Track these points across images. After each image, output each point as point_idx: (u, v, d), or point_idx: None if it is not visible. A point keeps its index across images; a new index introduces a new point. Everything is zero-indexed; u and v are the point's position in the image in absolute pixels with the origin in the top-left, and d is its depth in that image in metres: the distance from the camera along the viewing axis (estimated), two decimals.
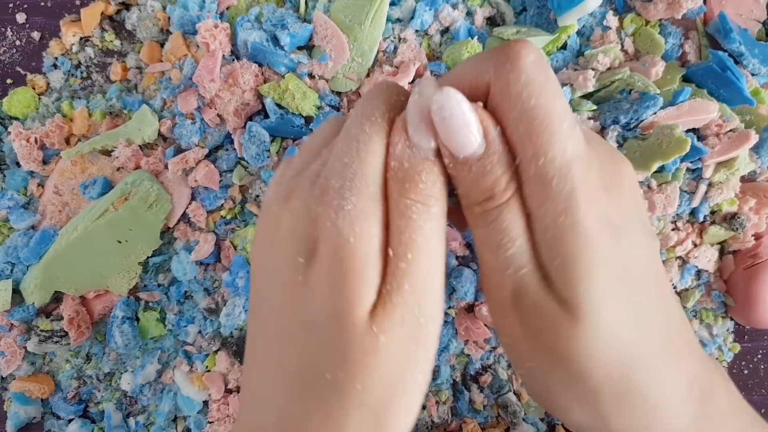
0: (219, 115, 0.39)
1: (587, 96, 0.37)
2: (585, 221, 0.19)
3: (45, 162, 0.42)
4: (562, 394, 0.21)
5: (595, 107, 0.37)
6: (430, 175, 0.20)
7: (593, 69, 0.37)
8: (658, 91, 0.36)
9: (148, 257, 0.40)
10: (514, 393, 0.41)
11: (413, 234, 0.20)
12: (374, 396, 0.19)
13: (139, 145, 0.40)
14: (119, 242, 0.38)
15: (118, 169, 0.41)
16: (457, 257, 0.39)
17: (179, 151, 0.40)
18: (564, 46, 0.38)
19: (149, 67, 0.41)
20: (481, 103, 0.20)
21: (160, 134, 0.40)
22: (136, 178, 0.38)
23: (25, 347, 0.41)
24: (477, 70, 0.20)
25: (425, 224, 0.20)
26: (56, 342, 0.40)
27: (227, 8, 0.40)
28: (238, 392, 0.41)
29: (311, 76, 0.39)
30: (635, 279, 0.21)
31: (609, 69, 0.37)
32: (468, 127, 0.19)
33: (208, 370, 0.41)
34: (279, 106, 0.39)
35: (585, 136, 0.21)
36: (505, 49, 0.20)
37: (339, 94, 0.39)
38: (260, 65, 0.39)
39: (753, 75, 0.38)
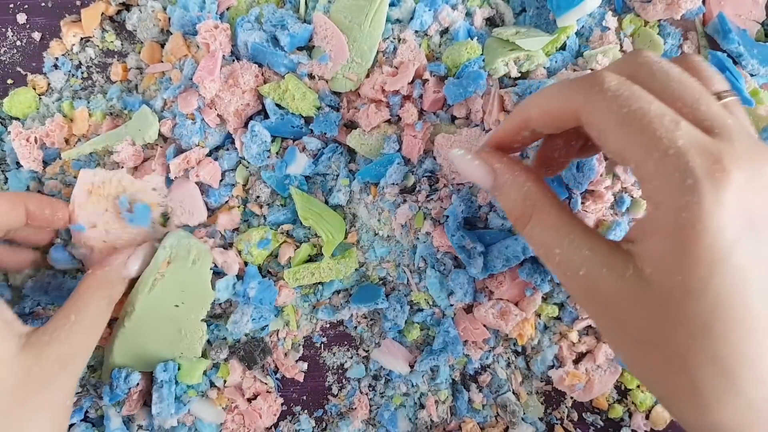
0: (219, 116, 0.39)
1: None
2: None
3: (45, 162, 0.42)
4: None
5: None
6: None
7: (592, 69, 0.37)
8: None
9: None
10: (513, 393, 0.41)
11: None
12: None
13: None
14: (176, 306, 0.38)
15: (135, 169, 0.40)
16: (455, 258, 0.39)
17: (180, 151, 0.40)
18: (563, 47, 0.38)
19: (149, 68, 0.41)
20: (487, 149, 0.29)
21: (160, 134, 0.40)
22: (172, 241, 0.38)
23: None
24: (564, 96, 0.24)
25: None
26: None
27: (227, 9, 0.40)
28: (250, 401, 0.41)
29: (311, 76, 0.39)
30: None
31: None
32: (472, 171, 0.28)
33: (224, 382, 0.41)
34: (279, 106, 0.39)
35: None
36: (589, 76, 0.24)
37: (338, 94, 0.39)
38: (260, 66, 0.39)
39: (752, 75, 0.38)
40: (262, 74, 0.39)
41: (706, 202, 0.20)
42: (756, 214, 0.20)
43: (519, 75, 0.37)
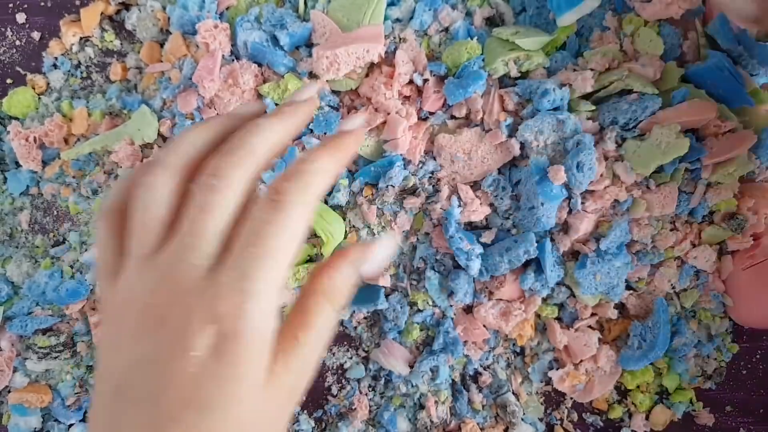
0: (218, 115, 0.39)
1: (586, 96, 0.37)
2: None
3: (44, 162, 0.42)
4: None
5: (593, 108, 0.37)
6: None
7: (592, 69, 0.37)
8: (657, 92, 0.36)
9: None
10: (513, 393, 0.41)
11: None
12: None
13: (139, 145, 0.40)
14: None
15: None
16: (454, 258, 0.39)
17: None
18: (563, 47, 0.38)
19: (149, 67, 0.41)
20: None
21: (159, 134, 0.40)
22: None
23: (15, 366, 0.41)
24: None
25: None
26: (55, 357, 0.40)
27: (227, 8, 0.40)
28: None
29: (311, 75, 0.39)
30: None
31: (608, 69, 0.37)
32: None
33: None
34: (278, 105, 0.39)
35: None
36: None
37: (338, 94, 0.39)
38: (260, 65, 0.39)
39: (752, 75, 0.38)
40: (262, 74, 0.39)
41: None
42: None
43: (519, 75, 0.37)
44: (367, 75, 0.38)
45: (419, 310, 0.41)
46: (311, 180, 0.22)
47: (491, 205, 0.38)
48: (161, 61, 0.41)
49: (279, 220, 0.21)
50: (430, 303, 0.40)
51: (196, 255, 0.21)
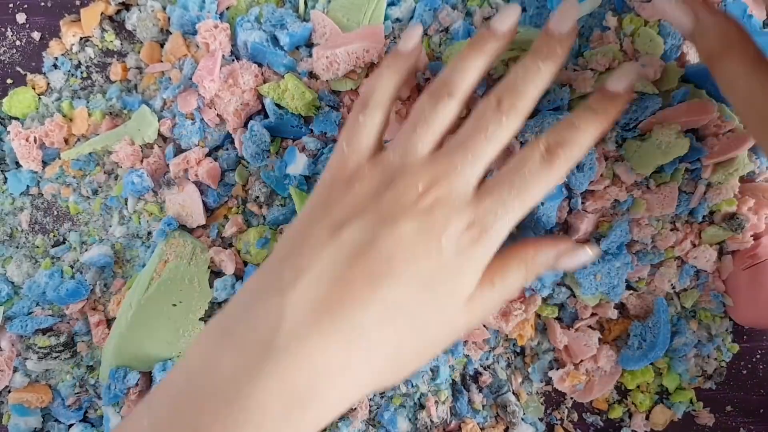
0: (219, 115, 0.39)
1: (586, 96, 0.37)
2: None
3: (45, 162, 0.42)
4: None
5: None
6: None
7: (592, 69, 0.37)
8: (657, 92, 0.36)
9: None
10: (513, 393, 0.41)
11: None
12: None
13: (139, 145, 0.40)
14: (174, 305, 0.38)
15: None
16: None
17: (179, 151, 0.40)
18: None
19: (149, 67, 0.41)
20: None
21: (159, 134, 0.40)
22: (169, 240, 0.38)
23: (15, 366, 0.40)
24: None
25: None
26: (55, 357, 0.40)
27: (227, 8, 0.40)
28: None
29: (311, 75, 0.39)
30: None
31: (608, 69, 0.37)
32: (673, 12, 0.29)
33: None
34: (278, 106, 0.39)
35: None
36: None
37: (338, 93, 0.39)
38: (260, 65, 0.39)
39: None
40: (262, 74, 0.39)
41: None
42: None
43: None
44: (367, 75, 0.38)
45: None
46: (579, 150, 0.27)
47: None
48: (161, 61, 0.41)
49: (542, 177, 0.26)
50: None
51: (473, 172, 0.26)
